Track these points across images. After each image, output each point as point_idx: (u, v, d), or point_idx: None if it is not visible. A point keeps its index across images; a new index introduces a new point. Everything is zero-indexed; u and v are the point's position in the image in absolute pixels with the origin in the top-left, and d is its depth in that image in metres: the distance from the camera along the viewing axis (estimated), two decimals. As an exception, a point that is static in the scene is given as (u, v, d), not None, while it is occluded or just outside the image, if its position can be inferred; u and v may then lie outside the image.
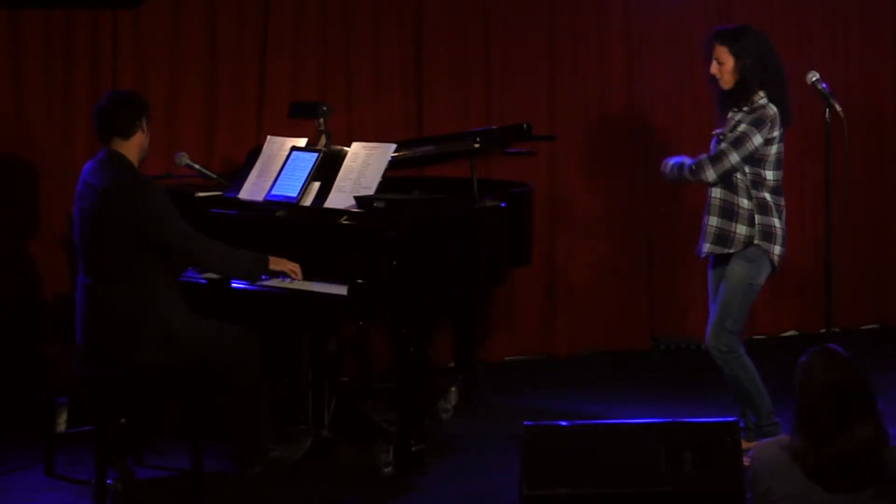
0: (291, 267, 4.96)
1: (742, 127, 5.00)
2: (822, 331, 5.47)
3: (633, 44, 7.26)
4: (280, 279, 4.98)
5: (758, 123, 4.98)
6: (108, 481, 4.70)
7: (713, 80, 5.14)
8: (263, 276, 4.95)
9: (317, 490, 4.93)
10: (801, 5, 7.58)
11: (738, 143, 4.99)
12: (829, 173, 5.00)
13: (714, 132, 5.19)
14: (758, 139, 4.98)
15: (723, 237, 5.09)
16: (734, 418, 4.09)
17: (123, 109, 4.81)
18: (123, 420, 4.92)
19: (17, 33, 6.05)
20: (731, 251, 5.08)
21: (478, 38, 6.95)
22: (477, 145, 5.54)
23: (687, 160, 5.15)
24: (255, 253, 4.92)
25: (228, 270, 4.94)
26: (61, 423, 5.37)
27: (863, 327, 7.73)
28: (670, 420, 4.11)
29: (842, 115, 4.90)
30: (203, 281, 5.08)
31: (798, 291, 7.42)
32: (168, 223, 4.71)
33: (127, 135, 4.80)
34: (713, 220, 5.11)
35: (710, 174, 5.03)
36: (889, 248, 7.83)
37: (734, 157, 4.99)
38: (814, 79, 5.01)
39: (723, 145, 5.03)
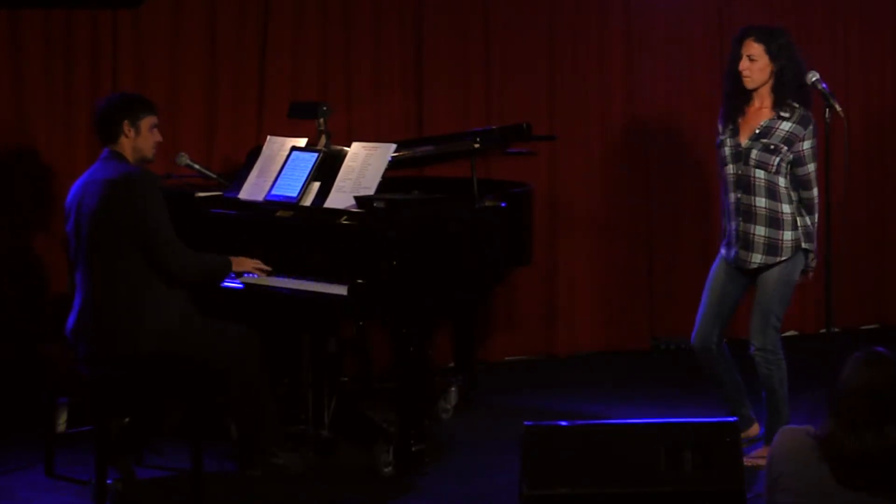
0: (254, 265, 5.01)
1: (808, 143, 5.03)
2: (823, 331, 5.47)
3: (633, 44, 7.26)
4: (280, 279, 4.98)
5: (816, 131, 5.06)
6: (108, 481, 4.70)
7: (731, 80, 5.11)
8: (232, 275, 5.02)
9: (317, 490, 4.93)
10: (801, 5, 7.59)
11: (816, 156, 5.07)
12: (829, 173, 4.99)
13: (724, 138, 5.15)
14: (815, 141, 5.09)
15: (773, 246, 5.05)
16: (734, 418, 4.09)
17: (103, 116, 4.90)
18: (125, 420, 4.93)
19: (17, 33, 6.05)
20: (784, 259, 5.07)
21: (478, 38, 6.95)
22: (477, 145, 5.54)
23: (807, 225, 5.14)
24: (219, 257, 4.97)
25: (192, 276, 4.90)
26: (61, 423, 5.37)
27: (863, 327, 7.74)
28: (670, 420, 4.11)
29: (842, 115, 4.90)
30: None
31: (798, 291, 7.42)
32: (159, 225, 4.73)
33: (111, 139, 4.88)
34: (760, 230, 5.06)
35: (816, 192, 5.09)
36: (889, 248, 7.83)
37: (812, 167, 5.07)
38: (814, 79, 5.00)
39: (810, 168, 5.05)
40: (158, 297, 4.74)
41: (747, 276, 5.18)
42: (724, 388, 5.33)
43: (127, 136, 4.86)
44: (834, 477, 3.24)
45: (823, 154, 5.03)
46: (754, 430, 5.33)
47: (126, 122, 4.86)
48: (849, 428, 3.24)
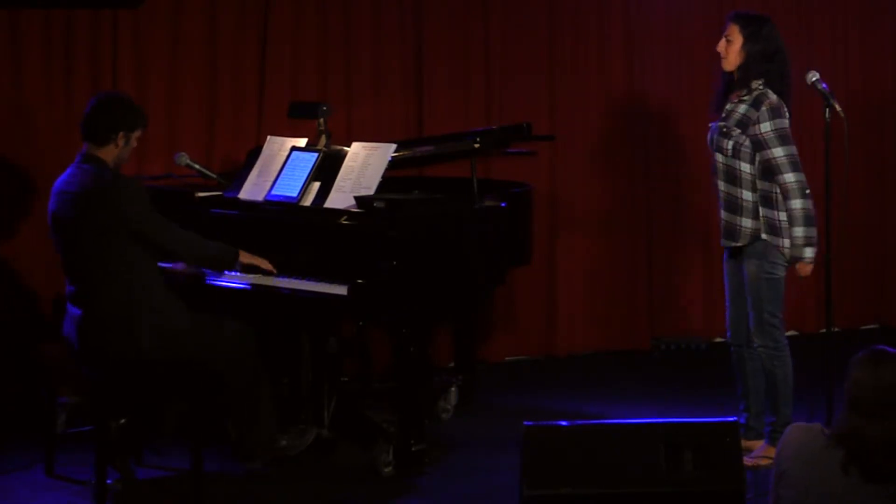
0: (259, 262, 5.03)
1: (769, 124, 4.94)
2: (823, 331, 5.46)
3: (633, 44, 7.26)
4: (280, 278, 4.99)
5: (777, 113, 4.96)
6: (108, 481, 4.70)
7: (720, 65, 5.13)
8: (235, 272, 5.04)
9: (317, 490, 4.93)
10: (802, 5, 7.59)
11: (783, 139, 4.96)
12: (829, 173, 4.99)
13: (710, 124, 5.18)
14: (787, 122, 4.99)
15: (731, 231, 5.08)
16: (734, 418, 4.09)
17: (102, 117, 4.78)
18: (123, 420, 4.92)
19: (17, 33, 6.05)
20: (740, 244, 5.07)
21: (478, 38, 6.94)
22: (477, 145, 5.54)
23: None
24: (226, 246, 4.99)
25: (198, 261, 5.01)
26: (61, 423, 5.36)
27: (863, 327, 7.74)
28: (670, 420, 4.12)
29: (842, 115, 4.89)
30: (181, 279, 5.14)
31: (798, 291, 7.43)
32: (145, 218, 4.70)
33: (99, 142, 4.78)
34: (722, 214, 5.11)
35: (790, 176, 4.96)
36: (889, 248, 7.83)
37: (779, 151, 4.96)
38: (814, 79, 5.00)
39: (777, 153, 4.95)
40: (151, 295, 4.73)
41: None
42: (746, 390, 5.25)
43: (116, 146, 4.78)
44: (854, 472, 3.23)
45: (824, 154, 5.03)
46: (756, 444, 5.18)
47: (122, 132, 4.77)
48: (870, 419, 3.23)
